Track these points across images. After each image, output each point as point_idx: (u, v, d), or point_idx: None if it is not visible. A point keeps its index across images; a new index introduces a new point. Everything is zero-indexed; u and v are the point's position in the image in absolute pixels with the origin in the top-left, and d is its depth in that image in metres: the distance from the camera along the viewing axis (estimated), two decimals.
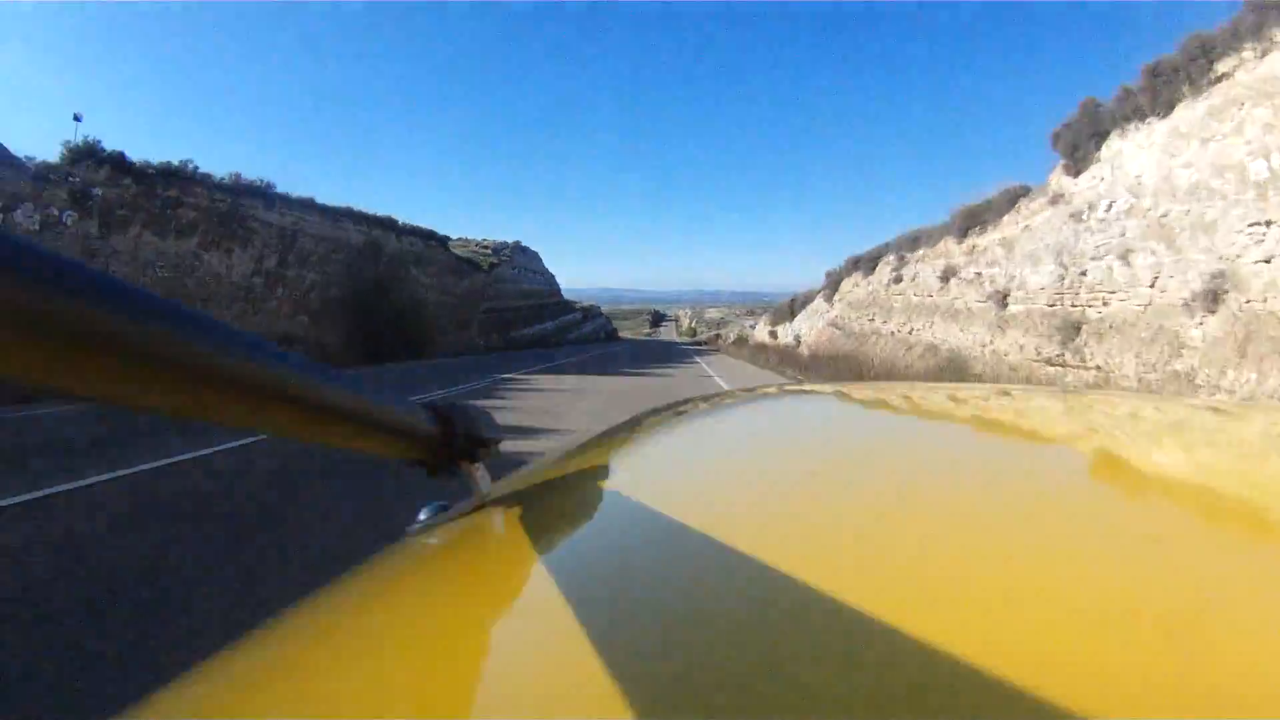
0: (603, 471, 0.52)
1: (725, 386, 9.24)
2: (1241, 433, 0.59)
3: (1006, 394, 0.80)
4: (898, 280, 14.89)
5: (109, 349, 0.19)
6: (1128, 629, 0.23)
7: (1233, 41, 6.50)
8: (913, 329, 13.46)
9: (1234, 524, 0.34)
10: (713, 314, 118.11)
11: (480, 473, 0.46)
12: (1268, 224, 5.71)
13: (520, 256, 35.46)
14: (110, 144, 11.08)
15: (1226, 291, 6.05)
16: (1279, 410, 0.66)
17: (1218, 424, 0.62)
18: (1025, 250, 9.78)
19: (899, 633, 0.23)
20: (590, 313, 52.75)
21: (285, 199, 15.40)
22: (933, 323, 12.64)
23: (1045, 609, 0.25)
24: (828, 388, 1.04)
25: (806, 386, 0.94)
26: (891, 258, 15.50)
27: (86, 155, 10.63)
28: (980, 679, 0.20)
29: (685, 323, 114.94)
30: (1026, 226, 10.00)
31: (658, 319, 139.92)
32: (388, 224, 20.23)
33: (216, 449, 4.28)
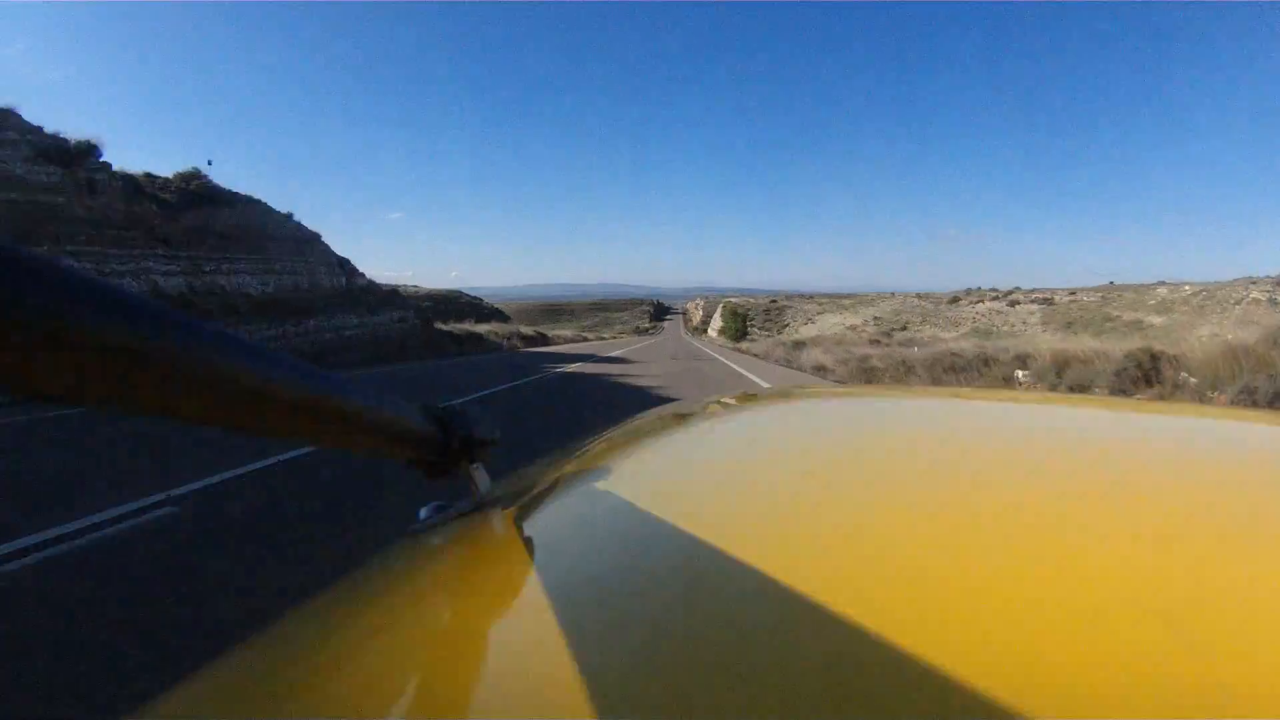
0: (602, 472, 0.52)
1: None
2: (1243, 436, 0.58)
3: (1008, 398, 0.80)
4: None
5: (100, 352, 0.19)
6: (1128, 631, 0.23)
7: None
8: None
9: (1235, 524, 0.34)
10: (738, 302, 73.03)
11: (480, 473, 0.47)
12: None
13: None
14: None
15: None
16: (1277, 414, 0.66)
17: (1219, 427, 0.62)
18: None
19: (901, 635, 0.23)
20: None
21: None
22: None
23: (1046, 611, 0.25)
24: (829, 390, 1.04)
25: (808, 389, 0.94)
26: None
27: None
28: (980, 680, 0.20)
29: (697, 315, 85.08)
30: None
31: (660, 312, 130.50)
32: None
33: None
